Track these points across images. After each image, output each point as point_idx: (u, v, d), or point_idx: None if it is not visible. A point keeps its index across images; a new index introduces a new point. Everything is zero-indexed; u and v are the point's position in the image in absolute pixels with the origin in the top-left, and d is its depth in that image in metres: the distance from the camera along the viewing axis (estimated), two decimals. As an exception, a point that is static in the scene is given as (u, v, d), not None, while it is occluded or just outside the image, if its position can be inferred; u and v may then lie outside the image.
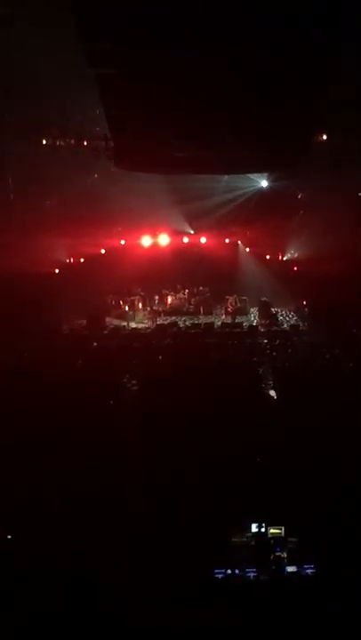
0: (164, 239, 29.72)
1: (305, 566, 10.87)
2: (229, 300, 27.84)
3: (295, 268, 29.16)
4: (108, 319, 27.11)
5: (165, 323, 26.68)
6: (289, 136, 23.49)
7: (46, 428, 14.87)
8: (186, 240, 30.26)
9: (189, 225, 30.00)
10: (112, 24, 18.38)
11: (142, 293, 28.56)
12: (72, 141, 26.28)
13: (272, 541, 11.54)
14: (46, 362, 20.92)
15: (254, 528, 11.68)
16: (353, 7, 16.84)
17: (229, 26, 18.42)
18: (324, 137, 25.84)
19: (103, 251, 29.99)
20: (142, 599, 9.34)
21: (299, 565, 10.94)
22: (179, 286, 29.01)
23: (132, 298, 28.21)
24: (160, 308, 28.21)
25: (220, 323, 26.86)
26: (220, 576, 10.65)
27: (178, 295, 28.88)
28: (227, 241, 30.74)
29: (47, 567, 10.00)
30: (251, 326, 26.24)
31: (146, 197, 27.57)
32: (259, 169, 27.88)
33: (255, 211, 28.66)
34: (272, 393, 19.12)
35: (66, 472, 13.10)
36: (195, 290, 29.05)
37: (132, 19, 18.27)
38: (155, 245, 29.77)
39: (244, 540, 11.65)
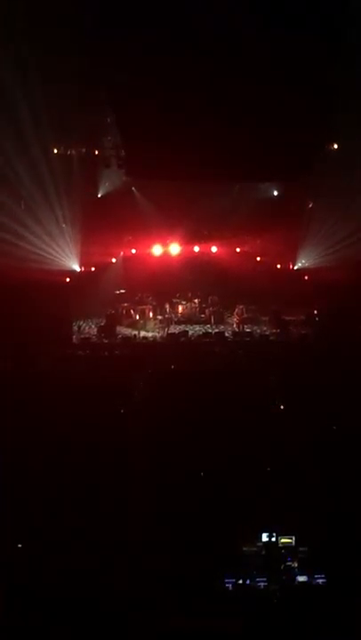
0: (174, 248, 29.69)
1: (316, 576, 10.79)
2: (240, 309, 27.75)
3: (306, 277, 29.05)
4: (118, 328, 27.07)
5: (176, 332, 26.63)
6: (300, 145, 23.51)
7: (53, 435, 14.86)
8: (197, 249, 30.23)
9: (200, 234, 29.97)
10: (125, 33, 18.54)
11: (153, 302, 28.51)
12: (83, 150, 26.39)
13: (283, 551, 11.47)
14: (57, 371, 20.91)
15: (265, 537, 11.61)
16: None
17: (241, 36, 18.54)
18: (336, 145, 25.85)
19: (114, 260, 30.01)
20: (152, 607, 9.28)
21: (310, 575, 10.86)
22: (190, 295, 28.96)
23: (143, 307, 28.18)
24: (171, 317, 28.15)
25: (231, 331, 26.80)
26: (230, 585, 10.58)
27: (189, 304, 28.82)
28: (237, 250, 30.69)
29: (55, 575, 9.96)
30: (262, 335, 26.18)
31: (156, 206, 27.60)
32: (270, 178, 27.90)
33: (266, 220, 28.61)
34: (282, 403, 19.05)
35: (76, 480, 13.08)
36: (206, 299, 28.99)
37: (145, 28, 18.42)
38: (165, 254, 29.75)
39: (255, 549, 11.57)
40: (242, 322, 27.36)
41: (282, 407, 18.88)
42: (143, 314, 28.00)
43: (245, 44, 18.69)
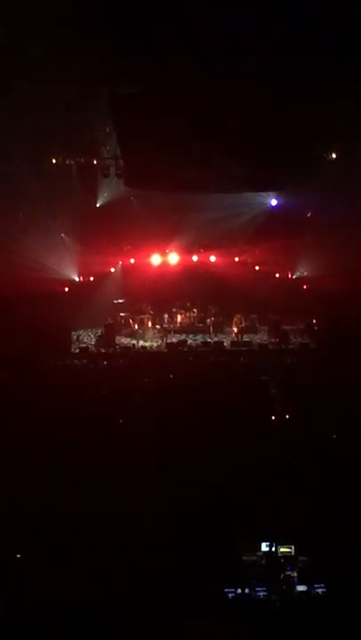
0: (173, 257, 29.71)
1: (316, 585, 10.74)
2: (239, 319, 27.73)
3: (305, 287, 29.10)
4: (117, 338, 27.08)
5: (175, 341, 26.64)
6: (298, 155, 23.63)
7: (53, 444, 14.84)
8: (195, 258, 30.24)
9: (199, 243, 29.99)
10: (127, 45, 18.66)
11: (152, 312, 28.53)
12: (82, 160, 26.47)
13: (282, 560, 11.41)
14: (56, 381, 20.90)
15: (264, 547, 11.55)
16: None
17: (240, 52, 18.66)
18: (334, 155, 25.96)
19: (113, 269, 30.03)
20: (151, 617, 9.25)
21: (309, 585, 10.81)
22: (189, 304, 28.97)
23: (142, 316, 28.19)
24: (170, 327, 28.16)
25: (229, 341, 26.81)
26: (230, 595, 10.53)
27: (188, 313, 28.83)
28: (236, 259, 30.70)
29: (54, 588, 9.92)
30: (261, 345, 26.18)
31: (155, 216, 27.65)
32: (268, 188, 28.00)
33: (265, 229, 28.70)
34: (281, 412, 19.03)
35: (75, 488, 13.05)
36: (204, 308, 29.00)
37: (146, 41, 18.54)
38: (164, 264, 29.78)
39: (255, 558, 11.52)
40: (241, 331, 27.35)
41: (281, 417, 18.87)
42: (142, 323, 28.01)
43: (244, 59, 18.81)
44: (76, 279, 28.39)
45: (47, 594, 9.80)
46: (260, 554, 11.50)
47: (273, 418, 18.56)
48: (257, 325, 28.13)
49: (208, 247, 30.16)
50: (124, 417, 17.87)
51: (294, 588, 10.87)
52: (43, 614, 9.34)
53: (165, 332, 27.46)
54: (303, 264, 29.05)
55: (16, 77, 19.19)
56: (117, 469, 14.22)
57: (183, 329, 28.29)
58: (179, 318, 28.70)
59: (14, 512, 12.08)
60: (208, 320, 28.43)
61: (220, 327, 28.24)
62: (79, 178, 26.50)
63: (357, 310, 24.67)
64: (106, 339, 26.39)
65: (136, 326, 27.93)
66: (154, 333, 27.62)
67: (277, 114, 21.70)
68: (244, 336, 27.12)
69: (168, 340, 26.80)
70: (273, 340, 26.67)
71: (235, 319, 27.67)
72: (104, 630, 9.09)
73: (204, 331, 28.07)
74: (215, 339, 27.01)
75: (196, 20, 17.95)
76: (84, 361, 24.11)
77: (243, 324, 27.53)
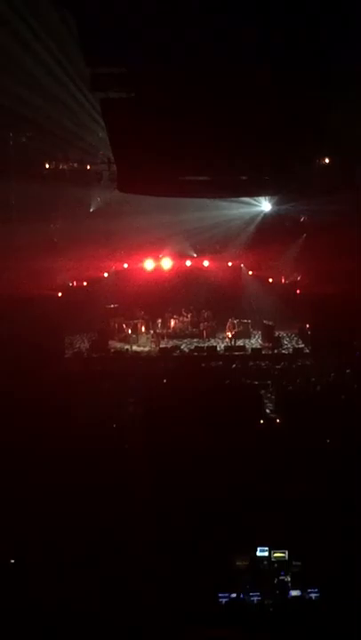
0: (166, 262, 29.69)
1: (309, 590, 10.74)
2: (233, 323, 27.77)
3: (298, 291, 29.14)
4: (110, 342, 27.09)
5: (169, 346, 26.66)
6: (291, 160, 23.65)
7: (46, 449, 14.82)
8: (188, 263, 30.24)
9: (192, 248, 30.01)
10: (118, 49, 18.64)
11: (145, 317, 28.54)
12: (75, 165, 26.49)
13: (276, 565, 11.42)
14: (49, 386, 20.86)
15: (258, 552, 11.56)
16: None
17: (233, 53, 18.65)
18: (327, 160, 25.99)
19: (106, 274, 30.01)
20: (145, 625, 9.23)
21: (303, 589, 10.81)
22: (182, 309, 28.98)
23: (135, 321, 28.19)
24: (163, 332, 28.17)
25: (223, 346, 26.84)
26: (223, 600, 10.51)
27: (181, 318, 28.84)
28: (229, 264, 30.72)
29: (47, 592, 9.90)
30: (254, 349, 26.21)
31: (148, 221, 27.66)
32: (262, 193, 28.02)
33: (258, 234, 28.76)
34: (275, 416, 19.04)
35: (69, 495, 13.03)
36: (198, 313, 29.02)
37: (137, 43, 18.53)
38: (157, 269, 29.77)
39: (248, 563, 11.52)
40: (234, 336, 27.39)
41: (273, 421, 18.87)
42: (135, 328, 28.01)
43: (240, 66, 18.79)
44: (70, 284, 28.36)
45: (47, 594, 9.80)
46: (253, 559, 11.51)
47: (265, 422, 18.58)
48: (250, 330, 28.15)
49: (201, 252, 30.17)
50: (118, 421, 17.88)
51: (288, 592, 10.87)
52: (43, 614, 9.33)
53: (159, 337, 27.48)
54: (296, 268, 29.09)
55: (9, 81, 19.21)
56: (115, 473, 14.23)
57: (177, 334, 28.31)
58: (172, 323, 28.71)
59: (16, 515, 12.07)
60: (201, 325, 28.43)
61: (213, 332, 28.27)
62: (72, 183, 26.48)
63: (351, 314, 24.69)
64: (99, 344, 26.42)
65: (129, 331, 27.94)
66: (147, 338, 27.63)
67: (272, 118, 21.70)
68: (238, 341, 27.16)
69: (161, 345, 26.81)
70: (266, 345, 26.71)
71: (228, 324, 27.70)
72: (104, 632, 9.09)
73: (198, 335, 28.11)
74: (208, 343, 27.04)
75: (191, 22, 17.95)
76: (78, 366, 24.12)
77: (236, 329, 27.56)
